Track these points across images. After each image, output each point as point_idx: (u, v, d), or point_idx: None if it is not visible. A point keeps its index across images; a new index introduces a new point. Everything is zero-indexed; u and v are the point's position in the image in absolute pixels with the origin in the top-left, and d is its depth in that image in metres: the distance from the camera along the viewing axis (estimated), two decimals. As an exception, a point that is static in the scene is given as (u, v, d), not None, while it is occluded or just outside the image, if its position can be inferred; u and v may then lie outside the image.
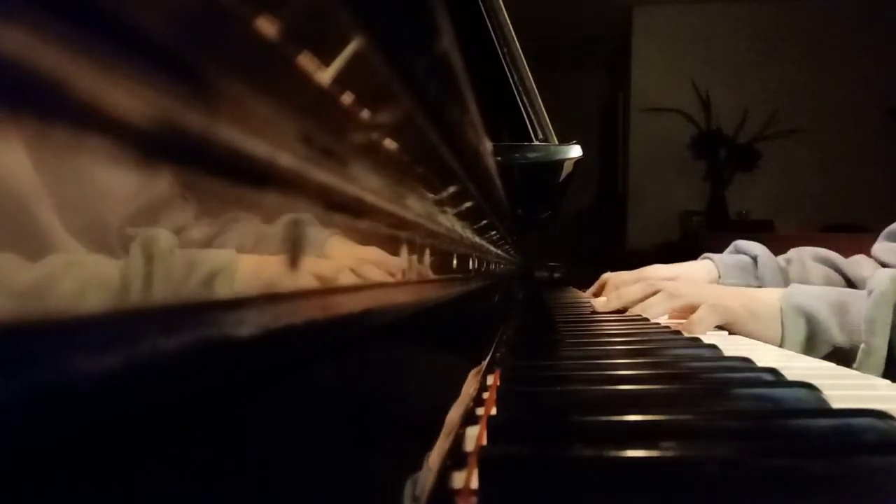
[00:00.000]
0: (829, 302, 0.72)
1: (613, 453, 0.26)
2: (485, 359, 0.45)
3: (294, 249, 0.13)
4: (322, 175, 0.14)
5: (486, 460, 0.26)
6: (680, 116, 3.60)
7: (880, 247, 0.91)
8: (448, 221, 0.33)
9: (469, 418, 0.34)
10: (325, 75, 0.14)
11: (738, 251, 1.07)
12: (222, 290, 0.10)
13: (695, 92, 3.58)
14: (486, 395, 0.39)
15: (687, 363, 0.49)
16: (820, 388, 0.36)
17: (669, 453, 0.26)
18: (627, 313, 0.89)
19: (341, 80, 0.14)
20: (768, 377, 0.41)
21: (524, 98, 0.79)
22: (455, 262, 0.38)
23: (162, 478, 0.09)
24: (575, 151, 0.81)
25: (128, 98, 0.08)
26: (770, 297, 0.76)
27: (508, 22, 0.79)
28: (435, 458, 0.24)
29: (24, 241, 0.07)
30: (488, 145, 0.40)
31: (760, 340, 0.74)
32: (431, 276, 0.29)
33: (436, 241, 0.30)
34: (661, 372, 0.45)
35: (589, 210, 4.40)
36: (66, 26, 0.06)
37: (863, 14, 3.44)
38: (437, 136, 0.24)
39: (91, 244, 0.08)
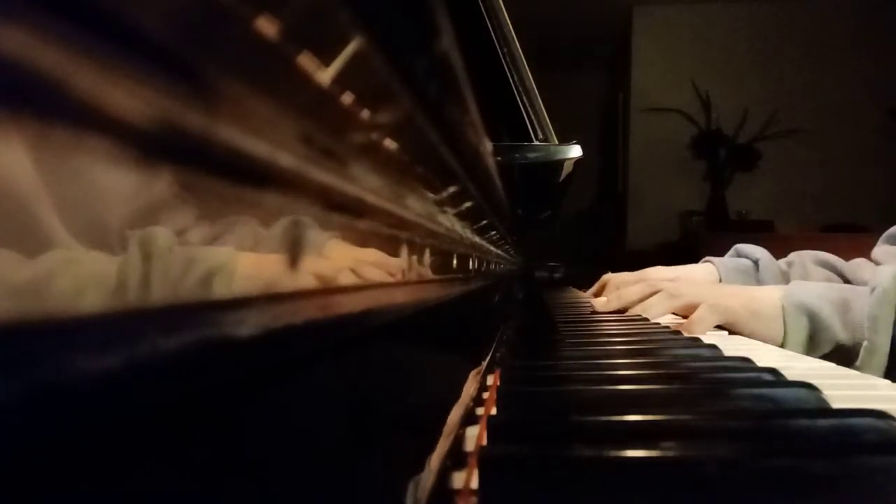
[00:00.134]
0: (831, 300, 0.71)
1: (613, 453, 0.26)
2: (485, 359, 0.45)
3: (294, 249, 0.13)
4: (322, 175, 0.14)
5: (486, 460, 0.26)
6: (680, 116, 3.60)
7: (880, 250, 0.91)
8: (448, 221, 0.33)
9: (469, 418, 0.34)
10: (325, 75, 0.14)
11: (739, 255, 1.07)
12: (222, 290, 0.10)
13: (695, 92, 3.58)
14: (486, 395, 0.39)
15: (687, 363, 0.49)
16: (820, 388, 0.36)
17: (669, 453, 0.26)
18: (627, 313, 0.89)
19: (341, 80, 0.14)
20: (768, 377, 0.41)
21: (524, 98, 0.79)
22: (455, 262, 0.38)
23: (162, 478, 0.09)
24: (575, 151, 0.81)
25: (127, 98, 0.08)
26: (771, 296, 0.76)
27: (508, 22, 0.79)
28: (435, 458, 0.24)
29: (24, 241, 0.07)
30: (488, 145, 0.40)
31: (762, 339, 0.74)
32: (431, 276, 0.29)
33: (436, 241, 0.30)
34: (661, 372, 0.45)
35: (589, 210, 4.40)
36: (66, 26, 0.06)
37: (863, 14, 3.44)
38: (437, 136, 0.24)
39: (90, 244, 0.08)
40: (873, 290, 0.68)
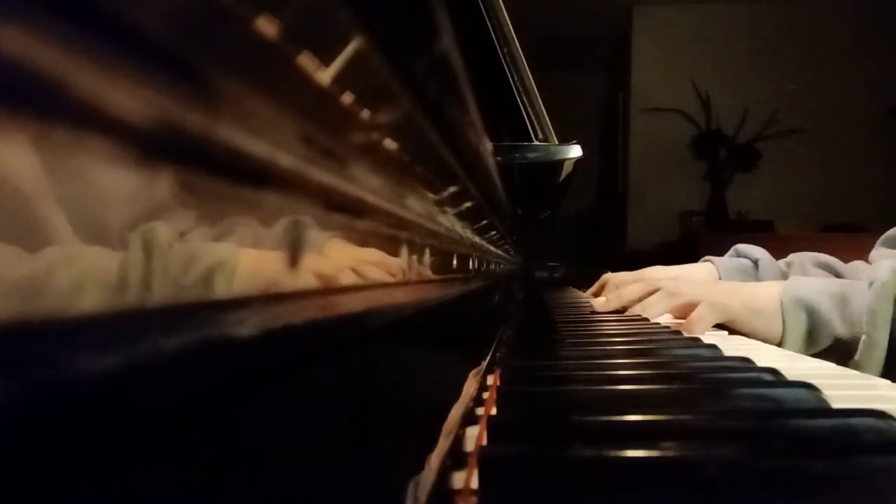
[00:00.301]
0: (830, 294, 0.72)
1: (613, 453, 0.26)
2: (485, 359, 0.45)
3: (294, 249, 0.13)
4: (322, 175, 0.14)
5: (486, 460, 0.26)
6: (680, 116, 3.60)
7: (877, 253, 0.91)
8: (448, 221, 0.33)
9: (469, 418, 0.34)
10: (325, 75, 0.14)
11: (738, 255, 1.07)
12: (222, 290, 0.10)
13: (695, 92, 3.58)
14: (486, 395, 0.39)
15: (687, 363, 0.49)
16: (820, 388, 0.36)
17: (669, 453, 0.26)
18: (627, 313, 0.89)
19: (341, 80, 0.14)
20: (768, 377, 0.41)
21: (524, 98, 0.79)
22: (455, 262, 0.38)
23: (162, 478, 0.09)
24: (575, 151, 0.81)
25: (127, 98, 0.08)
26: (770, 292, 0.76)
27: (508, 22, 0.79)
28: (435, 458, 0.24)
29: (24, 241, 0.07)
30: (488, 145, 0.40)
31: (762, 336, 0.74)
32: (431, 276, 0.29)
33: (436, 241, 0.30)
34: (661, 372, 0.45)
35: (589, 210, 4.40)
36: (66, 26, 0.06)
37: (863, 14, 3.44)
38: (437, 136, 0.24)
39: (90, 244, 0.08)
40: (871, 284, 0.68)
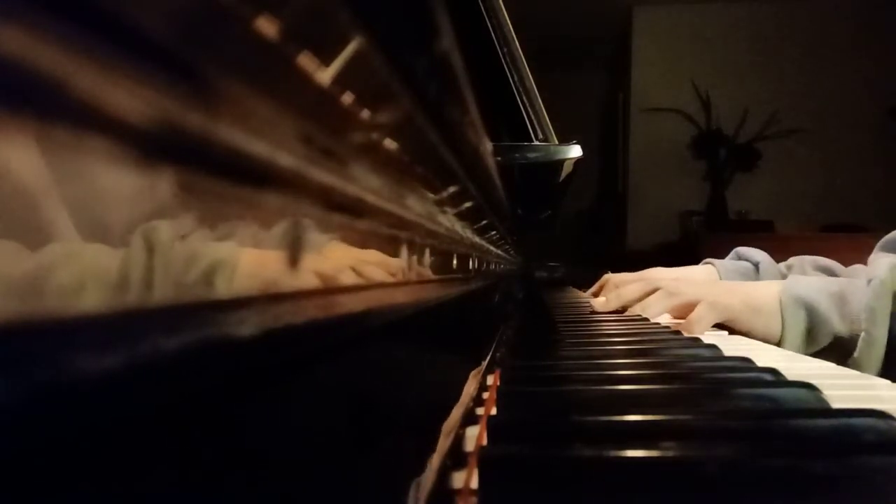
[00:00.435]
0: (829, 292, 0.72)
1: (613, 453, 0.26)
2: (485, 359, 0.45)
3: (294, 249, 0.13)
4: (322, 175, 0.14)
5: (486, 460, 0.26)
6: (680, 116, 3.60)
7: (876, 257, 0.91)
8: (448, 221, 0.33)
9: (469, 418, 0.34)
10: (325, 75, 0.14)
11: (739, 258, 1.08)
12: (222, 290, 0.10)
13: (695, 92, 3.58)
14: (486, 395, 0.39)
15: (687, 363, 0.49)
16: (820, 388, 0.36)
17: (669, 453, 0.26)
18: (627, 313, 0.90)
19: (341, 80, 0.14)
20: (768, 377, 0.41)
21: (524, 98, 0.79)
22: (455, 262, 0.38)
23: (162, 478, 0.09)
24: (575, 151, 0.81)
25: (127, 98, 0.08)
26: (769, 291, 0.77)
27: (508, 22, 0.79)
28: (435, 458, 0.24)
29: (24, 241, 0.07)
30: (488, 145, 0.40)
31: (761, 334, 0.74)
32: (431, 276, 0.29)
33: (436, 241, 0.30)
34: (661, 372, 0.45)
35: (589, 210, 4.40)
36: (66, 26, 0.06)
37: (863, 14, 3.44)
38: (437, 136, 0.24)
39: (90, 244, 0.08)
40: (870, 281, 0.68)
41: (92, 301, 0.08)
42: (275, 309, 0.12)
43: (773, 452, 0.26)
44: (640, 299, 0.89)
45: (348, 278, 0.17)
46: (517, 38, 0.79)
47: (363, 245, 0.19)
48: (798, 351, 0.72)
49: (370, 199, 0.19)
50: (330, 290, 0.16)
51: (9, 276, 0.06)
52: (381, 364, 0.22)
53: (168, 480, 0.09)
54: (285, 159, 0.12)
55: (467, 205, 0.37)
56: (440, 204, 0.30)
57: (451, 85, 0.23)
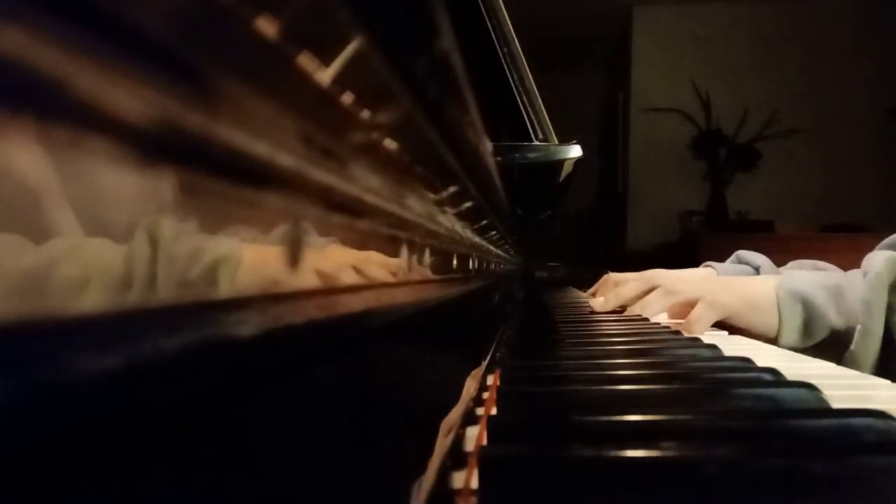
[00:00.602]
0: (825, 286, 0.72)
1: (613, 453, 0.26)
2: (485, 359, 0.45)
3: (294, 249, 0.13)
4: (322, 175, 0.14)
5: (486, 460, 0.26)
6: (680, 116, 3.60)
7: (873, 254, 0.91)
8: (448, 221, 0.33)
9: (469, 418, 0.34)
10: (325, 75, 0.14)
11: (740, 261, 1.07)
12: (222, 290, 0.10)
13: (695, 92, 3.57)
14: (486, 395, 0.39)
15: (687, 363, 0.49)
16: (820, 388, 0.36)
17: (669, 453, 0.26)
18: (626, 313, 0.90)
19: (341, 80, 0.14)
20: (768, 377, 0.41)
21: (524, 98, 0.79)
22: (455, 262, 0.38)
23: (163, 478, 0.09)
24: (575, 151, 0.81)
25: (127, 98, 0.08)
26: (766, 286, 0.77)
27: (508, 22, 0.79)
28: (435, 458, 0.24)
29: (22, 241, 0.07)
30: (488, 145, 0.40)
31: (759, 329, 0.74)
32: (431, 276, 0.29)
33: (436, 241, 0.30)
34: (661, 372, 0.45)
35: (589, 210, 4.40)
36: (66, 26, 0.06)
37: (863, 14, 3.44)
38: (437, 136, 0.24)
39: (89, 244, 0.08)
40: (866, 274, 0.68)
41: (91, 301, 0.08)
42: (275, 309, 0.12)
43: (773, 452, 0.26)
44: (639, 298, 0.89)
45: (348, 278, 0.17)
46: (517, 38, 0.79)
47: (363, 245, 0.19)
48: (795, 345, 0.73)
49: (370, 199, 0.19)
50: (330, 289, 0.16)
51: (8, 276, 0.06)
52: (382, 364, 0.22)
53: (168, 481, 0.09)
54: (285, 159, 0.12)
55: (467, 205, 0.37)
56: (440, 204, 0.30)
57: (451, 85, 0.23)
